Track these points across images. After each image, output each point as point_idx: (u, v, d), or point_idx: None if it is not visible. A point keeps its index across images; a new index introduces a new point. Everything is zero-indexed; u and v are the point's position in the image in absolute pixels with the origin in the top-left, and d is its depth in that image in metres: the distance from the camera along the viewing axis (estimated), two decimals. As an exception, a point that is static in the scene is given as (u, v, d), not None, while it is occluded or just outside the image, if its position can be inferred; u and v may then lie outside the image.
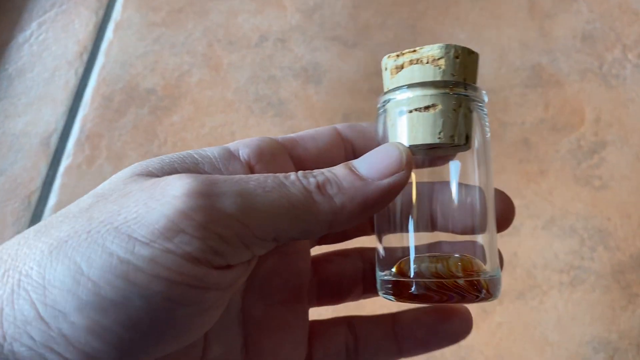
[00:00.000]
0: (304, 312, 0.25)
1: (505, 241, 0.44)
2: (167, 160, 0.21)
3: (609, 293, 0.41)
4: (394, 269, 0.24)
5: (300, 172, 0.20)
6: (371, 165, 0.20)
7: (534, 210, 0.45)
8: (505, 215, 0.25)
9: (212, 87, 0.53)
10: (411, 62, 0.23)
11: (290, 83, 0.52)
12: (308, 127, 0.54)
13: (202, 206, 0.17)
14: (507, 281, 0.42)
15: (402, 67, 0.23)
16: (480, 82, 0.24)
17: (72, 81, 0.54)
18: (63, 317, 0.16)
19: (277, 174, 0.19)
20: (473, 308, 0.42)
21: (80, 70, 0.55)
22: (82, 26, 0.57)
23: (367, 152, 0.22)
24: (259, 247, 0.19)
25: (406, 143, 0.23)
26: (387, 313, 0.26)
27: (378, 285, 0.25)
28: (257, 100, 0.52)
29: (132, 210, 0.17)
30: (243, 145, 0.22)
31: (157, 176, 0.19)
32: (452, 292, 0.23)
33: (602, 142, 0.48)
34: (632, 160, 0.47)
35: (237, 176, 0.19)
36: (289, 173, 0.20)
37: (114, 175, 0.20)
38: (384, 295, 0.24)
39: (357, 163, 0.21)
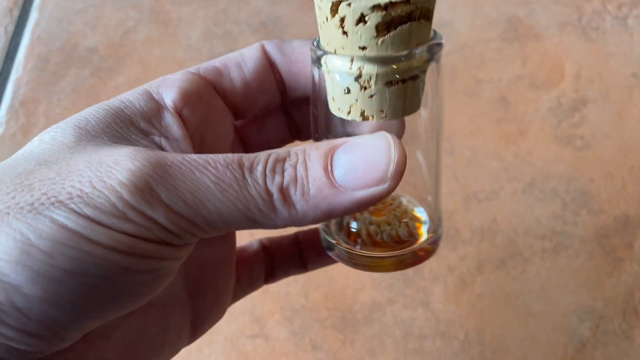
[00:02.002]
0: (234, 243, 0.26)
1: (484, 206, 0.41)
2: (102, 118, 0.19)
3: (593, 259, 0.39)
4: (339, 228, 0.24)
5: (269, 164, 0.18)
6: (351, 170, 0.17)
7: (513, 173, 0.42)
8: None
9: (161, 45, 0.47)
10: (407, 18, 0.17)
11: (247, 39, 0.47)
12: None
13: (149, 200, 0.16)
14: (486, 249, 0.40)
15: (390, 24, 0.17)
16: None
17: (2, 40, 0.48)
18: (14, 289, 0.15)
19: (243, 160, 0.17)
20: (451, 279, 0.40)
21: (11, 28, 0.49)
22: (11, -22, 0.51)
23: (293, 78, 0.23)
24: (211, 235, 0.18)
25: (393, 115, 0.19)
26: (291, 233, 0.28)
27: (322, 241, 0.24)
28: (212, 58, 0.47)
29: (76, 187, 0.16)
30: (165, 88, 0.21)
31: (102, 140, 0.18)
32: (396, 260, 0.22)
33: (582, 99, 0.45)
34: (613, 118, 0.44)
35: (193, 160, 0.17)
36: (256, 162, 0.17)
37: (50, 136, 0.18)
38: (329, 253, 0.24)
39: (337, 160, 0.18)
